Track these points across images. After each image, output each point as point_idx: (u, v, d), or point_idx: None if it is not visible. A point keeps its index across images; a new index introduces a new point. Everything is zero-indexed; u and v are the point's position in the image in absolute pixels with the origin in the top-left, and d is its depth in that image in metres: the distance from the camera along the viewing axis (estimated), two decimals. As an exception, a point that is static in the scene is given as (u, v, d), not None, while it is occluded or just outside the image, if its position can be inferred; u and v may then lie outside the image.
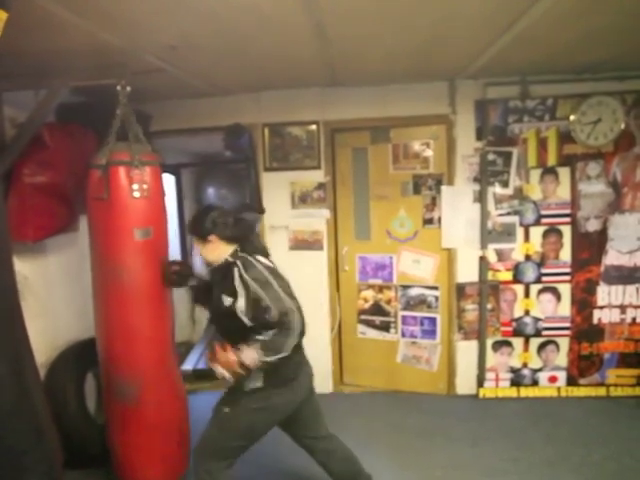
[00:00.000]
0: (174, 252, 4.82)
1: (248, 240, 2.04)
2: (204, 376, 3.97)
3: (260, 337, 1.79)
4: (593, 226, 3.25)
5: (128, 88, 2.18)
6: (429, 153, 3.36)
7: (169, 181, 4.64)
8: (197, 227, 2.01)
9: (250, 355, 1.75)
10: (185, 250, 5.03)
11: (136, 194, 2.10)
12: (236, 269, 1.87)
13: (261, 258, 1.99)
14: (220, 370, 1.78)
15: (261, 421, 1.96)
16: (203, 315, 5.13)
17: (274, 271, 1.97)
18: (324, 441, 2.17)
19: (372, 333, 3.62)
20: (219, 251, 1.98)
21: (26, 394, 1.30)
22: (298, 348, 1.93)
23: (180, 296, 4.88)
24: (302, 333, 1.84)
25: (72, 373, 2.71)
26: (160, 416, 2.26)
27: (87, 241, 2.89)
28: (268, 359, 1.75)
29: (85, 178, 2.58)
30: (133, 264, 2.11)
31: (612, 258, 3.26)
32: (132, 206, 2.11)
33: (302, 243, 3.50)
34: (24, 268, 2.50)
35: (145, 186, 2.12)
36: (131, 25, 1.87)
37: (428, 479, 2.53)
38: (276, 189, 3.48)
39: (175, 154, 4.66)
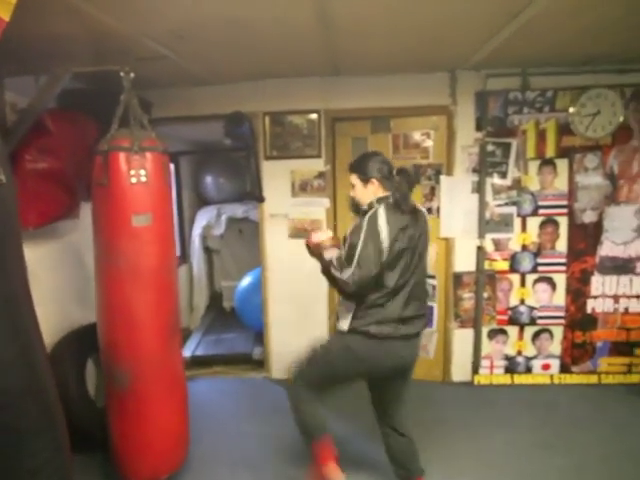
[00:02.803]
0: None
1: (401, 194, 2.06)
2: (202, 362, 4.02)
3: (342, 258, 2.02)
4: (589, 217, 3.30)
5: (132, 75, 2.18)
6: (429, 143, 3.38)
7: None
8: (362, 167, 2.11)
9: (330, 253, 2.05)
10: (183, 238, 5.06)
11: (133, 180, 2.07)
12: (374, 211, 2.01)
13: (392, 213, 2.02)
14: (318, 237, 2.12)
15: (340, 359, 2.12)
16: (201, 302, 5.18)
17: (402, 230, 2.00)
18: (400, 436, 2.25)
19: (370, 321, 3.67)
20: (374, 195, 2.08)
21: (37, 376, 1.33)
22: (396, 322, 2.03)
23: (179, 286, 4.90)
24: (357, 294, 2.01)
25: (73, 358, 2.74)
26: (154, 406, 2.24)
27: (88, 228, 2.91)
28: (331, 271, 2.01)
29: (87, 165, 2.60)
30: (131, 250, 2.09)
31: (607, 249, 3.32)
32: (130, 192, 2.09)
33: (301, 231, 3.52)
34: (25, 254, 2.51)
35: (143, 172, 2.09)
36: (136, 11, 1.87)
37: (424, 460, 2.57)
38: (276, 178, 3.50)
39: (174, 142, 4.63)
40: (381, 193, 2.08)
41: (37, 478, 1.30)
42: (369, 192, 2.09)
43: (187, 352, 4.12)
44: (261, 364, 3.83)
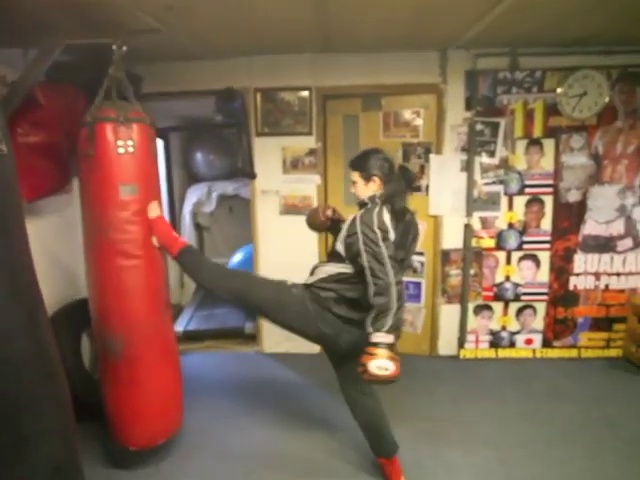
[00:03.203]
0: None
1: (397, 195, 2.07)
2: (194, 337, 4.08)
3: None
4: (573, 197, 3.38)
5: (124, 48, 2.18)
6: (419, 122, 3.42)
7: (158, 145, 4.61)
8: (365, 164, 2.10)
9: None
10: (174, 215, 5.06)
11: (120, 150, 2.08)
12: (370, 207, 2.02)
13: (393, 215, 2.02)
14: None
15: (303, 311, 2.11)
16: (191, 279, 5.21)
17: (402, 236, 2.02)
18: (367, 397, 2.32)
19: (359, 297, 3.75)
20: (372, 192, 2.08)
21: (42, 342, 1.37)
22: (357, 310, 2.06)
23: (168, 262, 4.94)
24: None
25: (69, 331, 2.78)
26: (148, 372, 2.27)
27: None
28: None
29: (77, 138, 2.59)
30: (118, 220, 2.11)
31: (590, 228, 3.41)
32: (117, 162, 2.09)
33: (292, 208, 3.57)
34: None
35: (131, 142, 2.10)
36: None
37: (412, 430, 2.70)
38: (268, 154, 3.51)
39: (164, 118, 4.60)
40: (379, 190, 2.08)
41: (43, 438, 1.36)
42: (370, 190, 2.09)
43: (179, 327, 4.17)
44: (253, 338, 3.90)
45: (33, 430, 1.33)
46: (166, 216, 4.96)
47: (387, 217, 1.97)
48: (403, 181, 2.14)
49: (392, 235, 1.94)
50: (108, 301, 2.21)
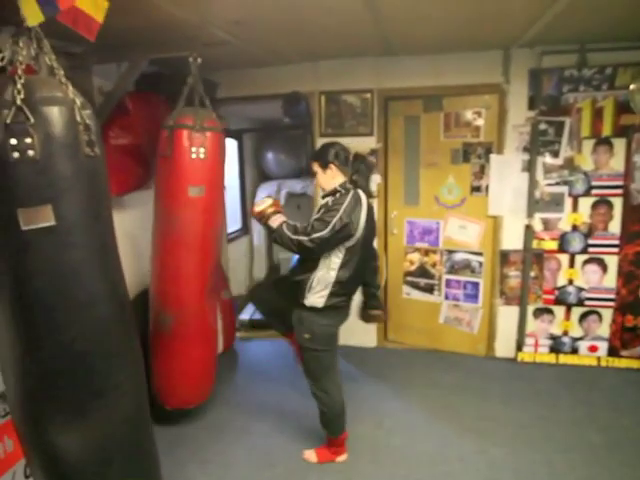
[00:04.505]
0: (234, 210, 5.19)
1: (360, 177, 2.32)
2: (259, 326, 4.36)
3: (292, 223, 2.19)
4: (646, 199, 3.21)
5: (199, 60, 2.44)
6: (480, 122, 3.42)
7: (232, 145, 4.95)
8: (322, 154, 2.33)
9: (277, 220, 2.21)
10: (245, 211, 5.40)
11: (193, 155, 2.33)
12: (347, 195, 2.20)
13: (364, 196, 2.28)
14: (259, 207, 2.30)
15: (331, 329, 2.35)
16: (261, 272, 5.55)
17: (370, 219, 2.29)
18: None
19: (416, 294, 3.82)
20: (334, 180, 2.29)
21: (122, 309, 1.65)
22: (347, 297, 2.33)
23: (240, 256, 5.28)
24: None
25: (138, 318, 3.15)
26: (193, 345, 2.60)
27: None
28: (279, 236, 2.18)
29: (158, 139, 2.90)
30: (184, 216, 2.39)
31: (664, 232, 3.22)
32: (189, 166, 2.35)
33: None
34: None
35: (203, 149, 2.34)
36: (201, 2, 2.10)
37: (460, 427, 2.75)
38: (330, 154, 3.68)
39: (238, 120, 4.95)
40: (340, 178, 2.27)
41: (120, 390, 1.64)
42: (329, 177, 2.29)
43: (246, 316, 4.48)
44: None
45: (115, 381, 1.61)
46: (238, 212, 5.34)
47: (364, 201, 2.23)
48: (364, 167, 2.32)
49: (363, 217, 2.19)
50: (165, 284, 2.53)
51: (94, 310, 1.55)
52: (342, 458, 2.50)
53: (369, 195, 2.32)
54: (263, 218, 2.28)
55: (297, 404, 2.98)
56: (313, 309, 2.25)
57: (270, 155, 5.52)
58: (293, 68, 3.58)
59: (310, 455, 2.52)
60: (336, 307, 2.27)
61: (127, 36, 2.45)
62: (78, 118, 1.56)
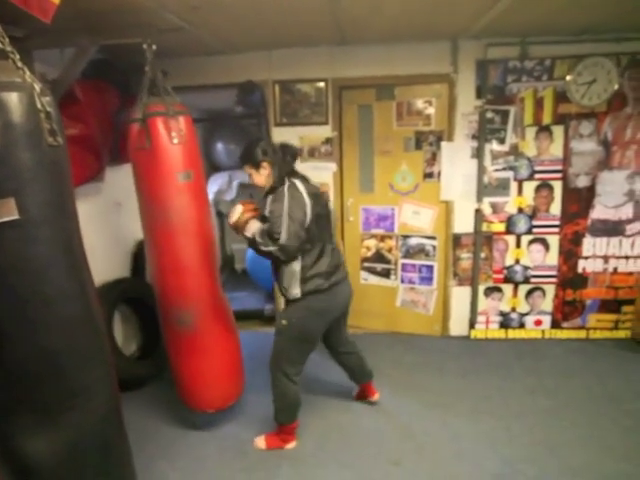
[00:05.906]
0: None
1: (292, 167, 2.34)
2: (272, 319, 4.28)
3: (265, 230, 2.19)
4: (582, 182, 3.47)
5: (154, 46, 2.36)
6: (431, 111, 3.54)
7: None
8: (250, 155, 2.31)
9: (250, 230, 2.22)
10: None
11: (175, 140, 2.27)
12: (283, 187, 2.22)
13: (303, 183, 2.29)
14: (231, 218, 2.29)
15: (311, 323, 2.36)
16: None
17: (315, 197, 2.28)
18: (350, 354, 2.77)
19: (374, 279, 3.92)
20: (270, 177, 2.29)
21: (90, 307, 1.58)
22: (333, 271, 2.35)
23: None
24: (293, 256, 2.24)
25: (103, 309, 3.02)
26: (213, 342, 2.52)
27: (111, 191, 3.14)
28: (255, 249, 2.22)
29: (110, 132, 2.79)
30: (179, 204, 2.31)
31: (599, 212, 3.50)
32: (172, 152, 2.28)
33: (310, 195, 3.73)
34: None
35: (181, 133, 2.29)
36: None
37: (423, 403, 2.88)
38: (286, 144, 3.68)
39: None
40: (275, 171, 2.29)
41: (90, 391, 1.58)
42: (263, 175, 2.32)
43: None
44: (272, 320, 4.10)
45: (85, 382, 1.55)
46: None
47: (302, 188, 2.23)
48: (289, 156, 2.35)
49: (307, 204, 2.20)
50: (170, 278, 2.40)
51: (62, 308, 1.49)
52: (291, 445, 2.53)
53: (306, 179, 2.36)
54: (238, 229, 2.26)
55: (265, 393, 2.99)
56: (296, 300, 2.30)
57: (220, 145, 5.43)
58: (246, 57, 3.53)
59: (260, 441, 2.55)
60: (321, 290, 2.29)
61: (74, 20, 2.32)
62: (39, 105, 1.49)
